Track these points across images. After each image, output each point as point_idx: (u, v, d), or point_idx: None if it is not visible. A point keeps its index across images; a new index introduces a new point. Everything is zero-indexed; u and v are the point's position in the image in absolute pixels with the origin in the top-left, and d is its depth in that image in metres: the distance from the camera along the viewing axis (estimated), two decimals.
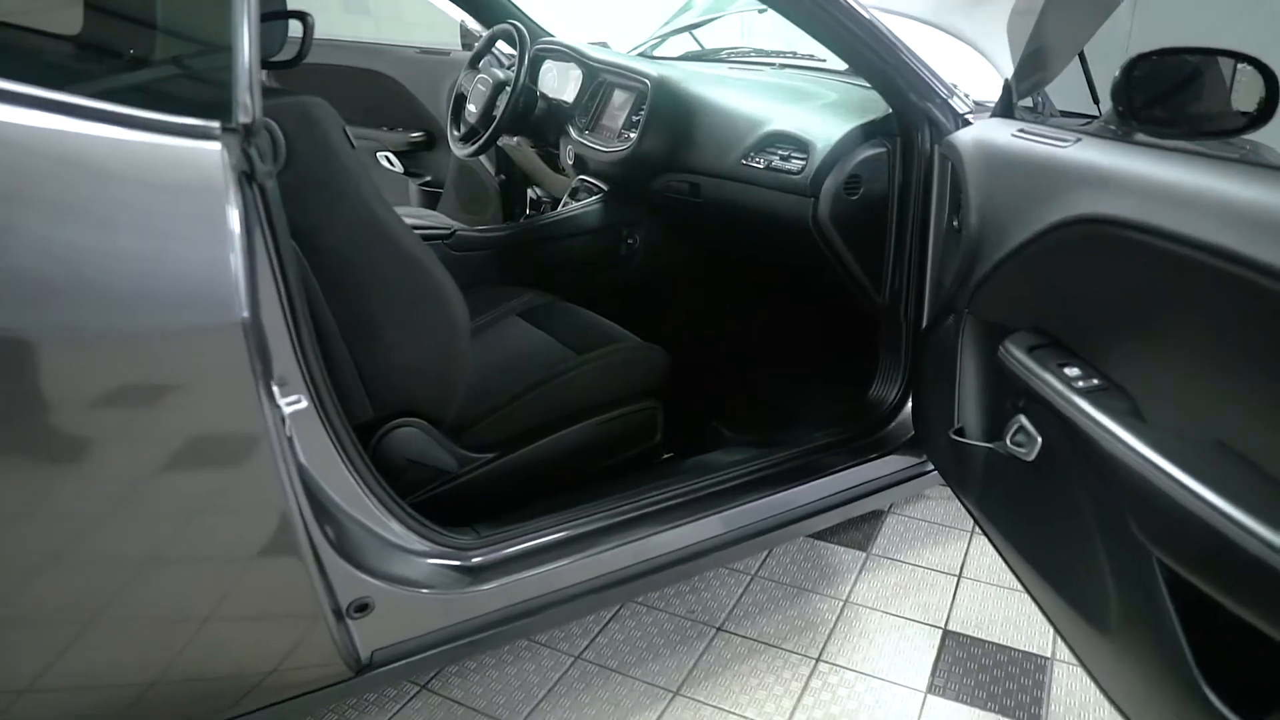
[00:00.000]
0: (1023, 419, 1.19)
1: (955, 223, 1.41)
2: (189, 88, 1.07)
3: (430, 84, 2.86)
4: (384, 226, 1.24)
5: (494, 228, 1.98)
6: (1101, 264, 1.07)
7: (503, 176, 2.87)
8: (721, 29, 2.91)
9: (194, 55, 1.12)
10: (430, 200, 3.04)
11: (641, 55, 2.66)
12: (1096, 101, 1.65)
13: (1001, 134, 1.30)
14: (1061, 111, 1.71)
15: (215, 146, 0.88)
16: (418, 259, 1.28)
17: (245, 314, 0.90)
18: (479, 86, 2.22)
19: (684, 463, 1.62)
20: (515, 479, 1.47)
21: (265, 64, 1.30)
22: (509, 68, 2.21)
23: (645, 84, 1.92)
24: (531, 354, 1.61)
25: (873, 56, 1.46)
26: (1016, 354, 1.19)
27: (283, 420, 1.00)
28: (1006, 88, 1.38)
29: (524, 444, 1.47)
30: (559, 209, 2.16)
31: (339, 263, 1.21)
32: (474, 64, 2.35)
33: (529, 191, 2.03)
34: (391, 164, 3.05)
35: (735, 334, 2.17)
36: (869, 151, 1.58)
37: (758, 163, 1.68)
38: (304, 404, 1.05)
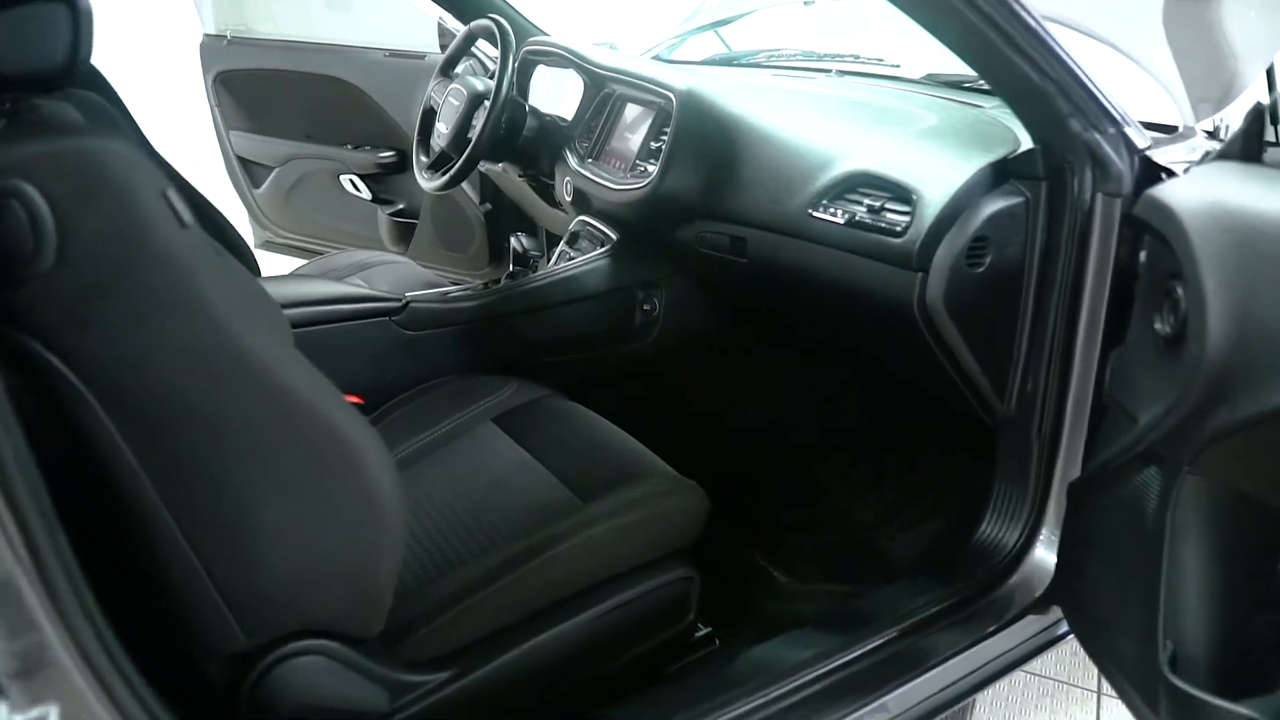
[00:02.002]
0: None
1: (1162, 326, 0.91)
2: None
3: (402, 93, 2.37)
4: (247, 356, 0.74)
5: (464, 294, 1.48)
6: None
7: (488, 206, 2.37)
8: (746, 26, 2.42)
9: None
10: (403, 233, 2.54)
11: (657, 60, 2.17)
12: (1275, 121, 1.17)
13: (1269, 195, 0.80)
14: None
15: None
16: (310, 405, 0.78)
17: None
18: (451, 100, 1.72)
19: (729, 660, 1.11)
20: (482, 708, 0.97)
21: (8, 83, 0.80)
22: (491, 75, 1.71)
23: (669, 98, 1.42)
24: (509, 500, 1.11)
25: (1026, 67, 0.96)
26: None
27: None
28: (1256, 114, 0.88)
29: (495, 653, 0.97)
30: (553, 262, 1.66)
31: (172, 416, 0.72)
32: (446, 71, 1.85)
33: (512, 241, 1.53)
34: (357, 189, 2.55)
35: (786, 435, 1.65)
36: (1001, 203, 1.08)
37: (834, 215, 1.17)
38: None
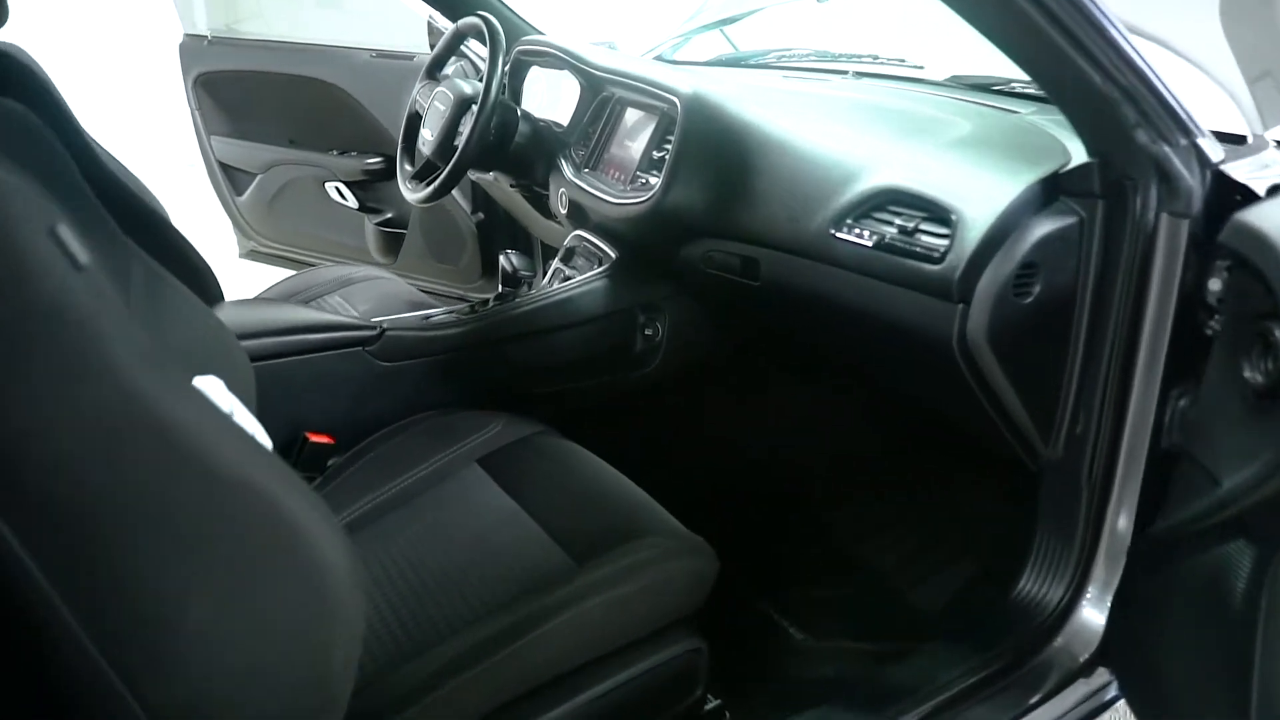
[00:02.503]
0: None
1: (1253, 374, 0.78)
2: None
3: (390, 96, 2.24)
4: (164, 423, 0.60)
5: (447, 319, 1.34)
6: None
7: (480, 216, 2.25)
8: (753, 25, 2.29)
9: None
10: (391, 244, 2.41)
11: (659, 60, 2.04)
12: None
13: None
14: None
15: None
16: (243, 478, 0.65)
17: None
18: (436, 104, 1.59)
19: None
20: None
21: None
22: (481, 78, 1.58)
23: (672, 103, 1.29)
24: (494, 561, 0.98)
25: (1090, 71, 0.83)
26: None
27: None
28: None
29: None
30: (546, 280, 1.53)
31: (72, 499, 0.59)
32: (432, 73, 1.72)
33: (501, 260, 1.40)
34: (343, 197, 2.42)
35: (798, 471, 1.52)
36: (1052, 225, 0.95)
37: (861, 236, 1.04)
38: None
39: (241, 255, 2.85)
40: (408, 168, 1.69)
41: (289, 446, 1.17)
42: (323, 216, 2.49)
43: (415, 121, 1.69)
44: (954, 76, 1.57)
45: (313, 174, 2.44)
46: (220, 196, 2.69)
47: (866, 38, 1.96)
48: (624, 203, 1.32)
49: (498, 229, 2.23)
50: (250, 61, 2.46)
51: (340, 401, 1.22)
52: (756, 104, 1.27)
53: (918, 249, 0.98)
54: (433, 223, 2.31)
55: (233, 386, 0.94)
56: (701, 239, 1.28)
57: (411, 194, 1.60)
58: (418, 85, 1.72)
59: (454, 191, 2.26)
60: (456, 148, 1.49)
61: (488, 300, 1.41)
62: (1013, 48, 0.87)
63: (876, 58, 1.66)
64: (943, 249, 0.96)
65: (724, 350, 1.48)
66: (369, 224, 2.40)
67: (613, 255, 1.40)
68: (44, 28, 5.45)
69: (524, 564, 0.97)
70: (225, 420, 0.66)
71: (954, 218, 0.96)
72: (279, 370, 1.17)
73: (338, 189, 2.41)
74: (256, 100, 2.51)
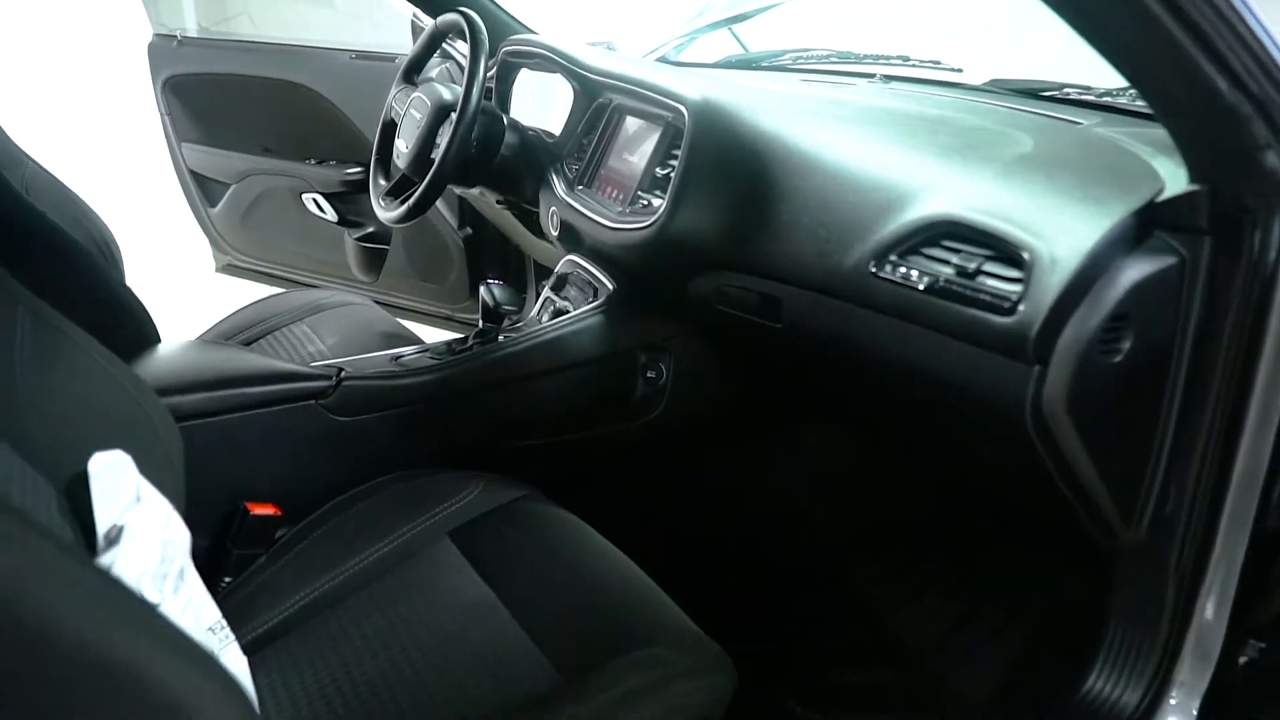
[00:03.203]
0: None
1: None
2: None
3: (370, 101, 2.06)
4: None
5: (417, 363, 1.16)
6: None
7: (468, 231, 2.07)
8: (764, 23, 2.11)
9: None
10: (372, 260, 2.24)
11: (662, 62, 1.86)
12: None
13: None
14: None
15: None
16: (97, 649, 0.47)
17: None
18: (413, 112, 1.41)
19: None
20: None
21: None
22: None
23: (679, 111, 1.11)
24: (462, 675, 0.80)
25: (1217, 76, 0.65)
26: None
27: None
28: None
29: None
30: (535, 310, 1.35)
31: None
32: (409, 76, 1.54)
33: (481, 292, 1.21)
34: (321, 209, 2.25)
35: (820, 534, 1.33)
36: (1147, 267, 0.77)
37: (909, 276, 0.86)
38: None
39: (218, 270, 2.68)
40: (381, 182, 1.51)
41: (227, 520, 0.99)
42: (300, 230, 2.31)
43: (390, 131, 1.51)
44: (995, 80, 1.40)
45: (288, 185, 2.26)
46: (192, 208, 2.51)
47: (888, 37, 1.78)
48: (622, 228, 1.14)
49: (487, 245, 2.06)
50: (222, 64, 2.28)
51: (289, 464, 1.04)
52: (777, 112, 1.09)
53: (982, 295, 0.79)
54: (417, 238, 2.13)
55: (145, 460, 0.76)
56: (714, 271, 1.10)
57: (385, 212, 1.42)
58: (393, 90, 1.54)
59: (439, 205, 2.09)
60: (433, 160, 1.31)
61: (466, 338, 1.23)
62: (1109, 41, 0.69)
63: (907, 59, 1.48)
64: (1014, 296, 0.77)
65: (736, 395, 1.30)
66: (348, 239, 2.23)
67: (610, 286, 1.22)
68: (24, 28, 5.29)
69: (499, 681, 0.79)
70: (75, 570, 0.48)
71: (1027, 258, 0.78)
72: (216, 430, 0.99)
73: (315, 201, 2.23)
74: (229, 105, 2.33)
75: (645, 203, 1.15)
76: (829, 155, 0.98)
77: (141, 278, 3.95)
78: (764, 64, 1.77)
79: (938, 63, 1.44)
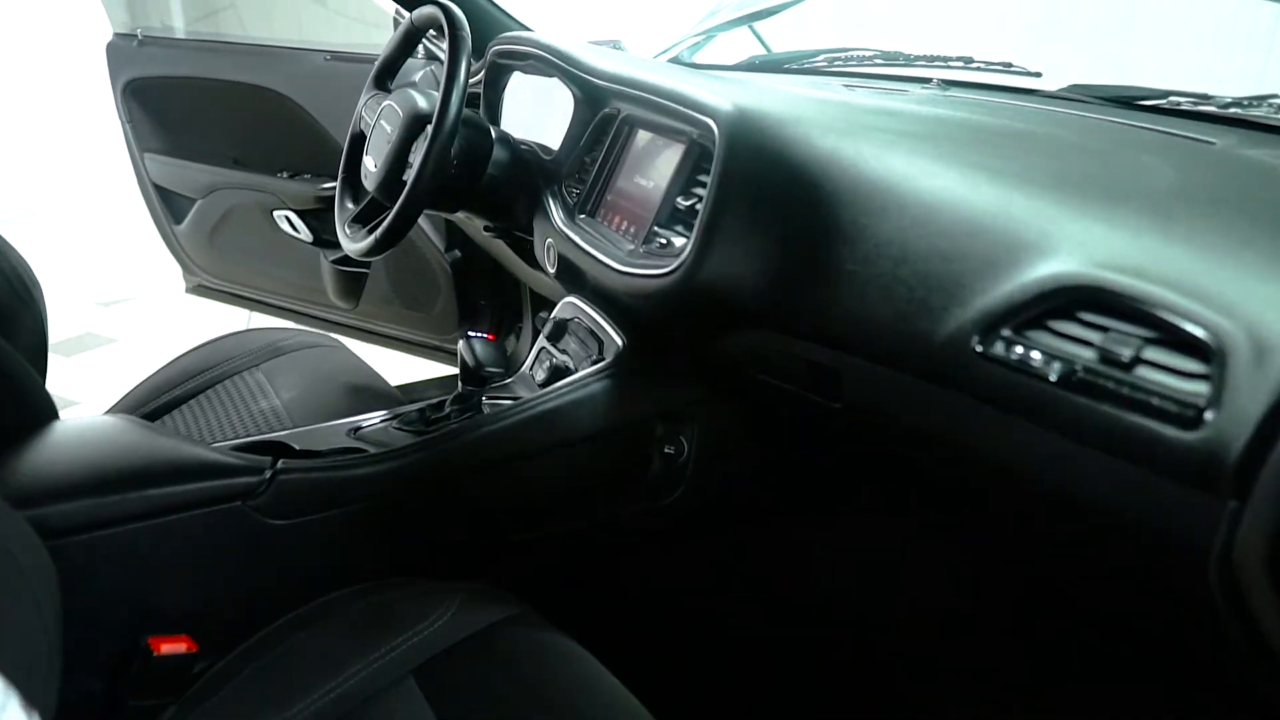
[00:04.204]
0: None
1: None
2: None
3: (349, 107, 1.84)
4: None
5: (376, 439, 0.93)
6: None
7: (457, 254, 1.84)
8: (789, 20, 1.88)
9: None
10: (350, 285, 2.01)
11: (674, 64, 1.64)
12: None
13: None
14: None
15: None
16: None
17: None
18: (383, 124, 1.19)
19: None
20: None
21: None
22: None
23: (707, 125, 0.87)
24: None
25: None
26: None
27: None
28: None
29: None
30: (529, 364, 1.12)
31: None
32: (381, 82, 1.32)
33: (460, 348, 0.98)
34: (295, 228, 2.02)
35: (877, 650, 1.08)
36: None
37: (1030, 359, 0.62)
38: None
39: (188, 291, 2.46)
40: (349, 206, 1.29)
41: (125, 658, 0.76)
42: (272, 250, 2.09)
43: (358, 145, 1.29)
44: (1077, 86, 1.17)
45: (259, 200, 2.04)
46: (157, 224, 2.29)
47: (924, 34, 1.55)
48: (636, 273, 0.91)
49: (477, 270, 1.83)
50: (187, 65, 2.06)
51: (207, 583, 0.81)
52: (832, 127, 0.86)
53: (1148, 397, 0.56)
54: (399, 262, 1.91)
55: None
56: (750, 329, 0.87)
57: (350, 242, 1.20)
58: (363, 98, 1.32)
59: (423, 224, 1.86)
60: (406, 182, 1.09)
61: (442, 403, 1.00)
62: None
63: (970, 60, 1.25)
64: (1198, 400, 0.54)
65: (774, 476, 1.06)
66: (324, 261, 2.00)
67: (619, 342, 0.99)
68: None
69: None
70: None
71: (1215, 344, 0.54)
72: (111, 543, 0.76)
73: (288, 218, 2.01)
74: (195, 112, 2.11)
75: (663, 241, 0.91)
76: (908, 186, 0.75)
77: (112, 295, 3.71)
78: (793, 66, 1.55)
79: (1008, 65, 1.21)
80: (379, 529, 0.88)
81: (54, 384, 0.89)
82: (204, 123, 2.11)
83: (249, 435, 1.16)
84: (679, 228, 0.91)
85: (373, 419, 1.03)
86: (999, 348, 0.64)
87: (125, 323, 3.31)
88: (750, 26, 1.87)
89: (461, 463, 0.91)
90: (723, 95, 0.90)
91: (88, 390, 2.78)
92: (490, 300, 1.84)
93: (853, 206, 0.77)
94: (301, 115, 1.91)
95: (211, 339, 1.44)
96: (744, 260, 0.82)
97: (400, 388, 1.64)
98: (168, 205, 2.22)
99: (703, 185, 0.88)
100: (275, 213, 2.02)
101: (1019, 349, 0.63)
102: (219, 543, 0.80)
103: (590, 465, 0.97)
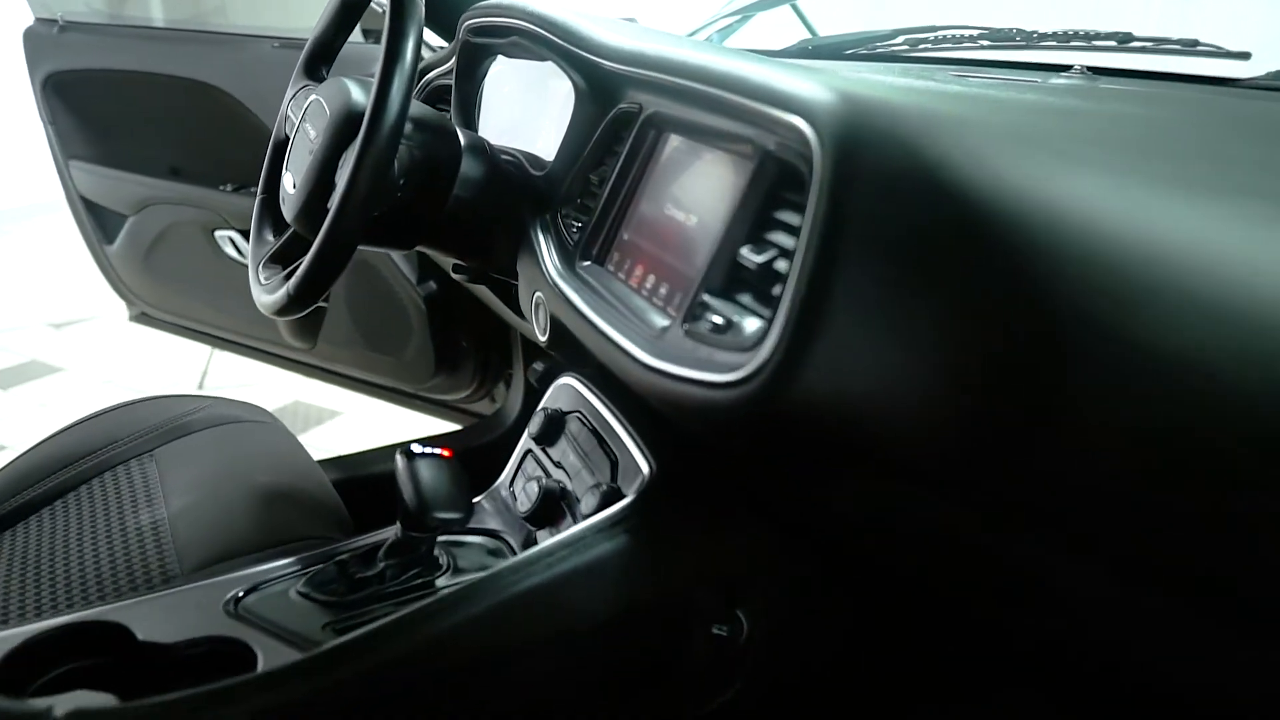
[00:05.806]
0: None
1: None
2: None
3: None
4: None
5: (256, 649, 0.59)
6: None
7: (432, 286, 1.50)
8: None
9: None
10: (307, 324, 1.66)
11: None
12: None
13: None
14: None
15: None
16: None
17: None
18: (307, 128, 0.84)
19: None
20: None
21: None
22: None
23: (796, 129, 0.50)
24: None
25: None
26: None
27: None
28: None
29: None
30: (507, 479, 0.77)
31: None
32: (313, 69, 0.97)
33: (401, 480, 0.63)
34: (240, 252, 1.68)
35: None
36: None
37: None
38: None
39: (132, 319, 2.12)
40: (268, 239, 0.95)
41: None
42: (215, 276, 1.75)
43: (280, 156, 0.94)
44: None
45: (198, 218, 1.70)
46: (88, 244, 1.95)
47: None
48: (674, 373, 0.55)
49: (458, 305, 1.48)
50: (115, 56, 1.72)
51: None
52: (1026, 137, 0.51)
53: None
54: (364, 295, 1.56)
55: None
56: (884, 479, 0.51)
57: (262, 292, 0.86)
58: (290, 90, 0.97)
59: (394, 255, 1.52)
60: (326, 211, 0.74)
61: (375, 556, 0.65)
62: None
63: (1128, 38, 0.90)
64: None
65: (867, 660, 0.71)
66: None
67: (644, 468, 0.64)
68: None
69: None
70: None
71: None
72: None
73: (232, 240, 1.67)
74: (125, 112, 1.77)
75: (719, 321, 0.55)
76: (1178, 255, 0.40)
77: (66, 314, 3.34)
78: (860, 51, 1.20)
79: (1193, 43, 0.86)
80: None
81: None
82: (136, 124, 1.77)
83: (113, 564, 0.83)
84: (746, 297, 0.54)
85: (276, 571, 0.69)
86: None
87: (77, 349, 2.97)
88: (793, 4, 1.53)
89: (400, 679, 0.56)
90: (816, 86, 0.54)
91: (19, 433, 2.44)
92: (473, 342, 1.50)
93: (1087, 269, 0.41)
94: (246, 116, 1.57)
95: (103, 409, 1.10)
96: (880, 368, 0.46)
97: (354, 456, 1.29)
98: (98, 222, 1.88)
99: (788, 229, 0.52)
100: (217, 233, 1.68)
101: None
102: None
103: (604, 661, 0.62)
